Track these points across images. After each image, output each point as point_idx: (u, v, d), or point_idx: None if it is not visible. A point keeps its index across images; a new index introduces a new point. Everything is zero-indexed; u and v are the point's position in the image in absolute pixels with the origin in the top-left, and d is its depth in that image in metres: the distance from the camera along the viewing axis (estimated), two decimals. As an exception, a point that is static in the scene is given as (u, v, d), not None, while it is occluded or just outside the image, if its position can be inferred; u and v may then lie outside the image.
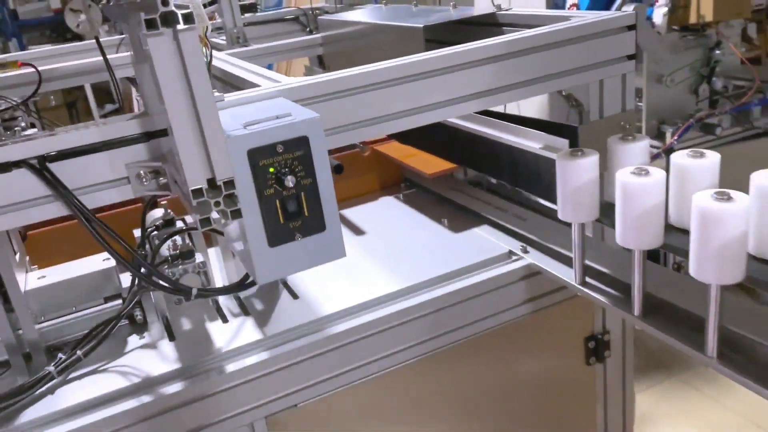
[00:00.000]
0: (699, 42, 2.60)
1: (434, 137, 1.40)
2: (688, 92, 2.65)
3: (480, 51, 1.01)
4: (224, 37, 1.95)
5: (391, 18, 1.56)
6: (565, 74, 1.08)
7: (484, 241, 1.25)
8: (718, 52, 2.60)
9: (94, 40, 1.16)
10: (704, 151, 0.88)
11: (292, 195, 0.75)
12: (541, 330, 1.22)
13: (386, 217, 1.45)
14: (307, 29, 2.15)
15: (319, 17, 1.90)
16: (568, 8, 2.58)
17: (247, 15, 2.13)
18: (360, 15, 1.75)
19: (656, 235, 0.87)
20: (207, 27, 0.84)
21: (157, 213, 1.11)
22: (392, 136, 1.56)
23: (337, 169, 1.31)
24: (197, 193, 0.69)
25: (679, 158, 0.85)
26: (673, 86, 2.58)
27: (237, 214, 0.72)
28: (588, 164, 0.95)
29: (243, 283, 0.93)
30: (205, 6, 2.01)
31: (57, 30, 6.38)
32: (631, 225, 0.87)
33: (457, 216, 1.37)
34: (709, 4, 2.43)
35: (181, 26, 0.62)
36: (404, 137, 1.52)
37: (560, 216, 1.00)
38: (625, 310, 0.95)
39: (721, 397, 2.41)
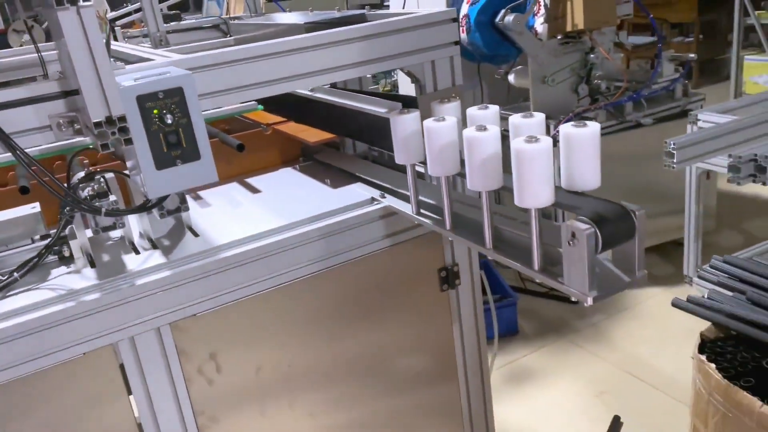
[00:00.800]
0: (576, 47, 3.01)
1: (317, 115, 1.71)
2: (570, 91, 3.04)
3: (331, 35, 1.32)
4: (149, 42, 2.22)
5: (288, 19, 1.87)
6: (403, 55, 1.40)
7: (355, 193, 1.56)
8: (592, 56, 3.00)
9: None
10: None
11: (173, 130, 1.04)
12: (401, 261, 1.52)
13: (281, 181, 1.74)
14: (227, 35, 2.44)
15: (232, 22, 2.20)
16: (462, 17, 2.94)
17: (171, 23, 2.41)
18: (264, 19, 2.06)
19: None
20: (105, 9, 1.12)
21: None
22: (288, 116, 1.86)
23: (239, 148, 1.60)
24: (98, 125, 0.98)
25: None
26: (554, 86, 2.97)
27: (129, 142, 1.00)
28: (411, 119, 1.26)
29: (144, 205, 1.21)
30: (131, 13, 2.29)
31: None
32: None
33: (339, 178, 1.67)
34: (581, 14, 2.82)
35: (81, 3, 0.91)
36: (297, 116, 1.82)
37: (396, 160, 1.31)
38: (440, 225, 1.26)
39: (601, 353, 2.76)
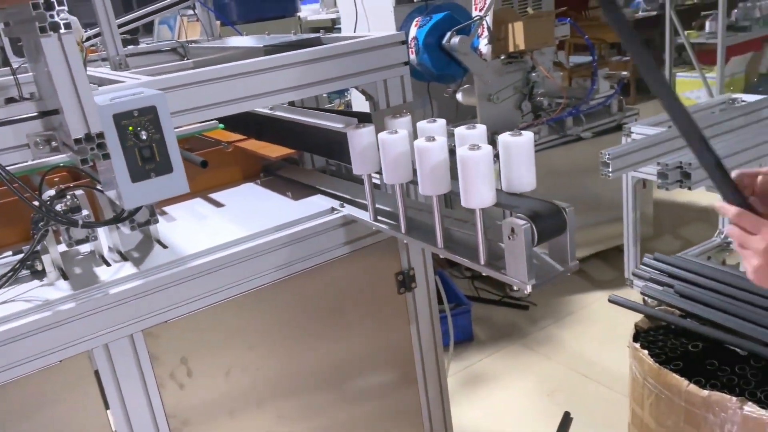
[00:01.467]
0: (519, 66, 3.19)
1: (278, 132, 1.81)
2: (514, 108, 3.22)
3: (290, 57, 1.43)
4: (108, 65, 2.28)
5: (245, 42, 1.97)
6: (358, 75, 1.52)
7: (316, 204, 1.66)
8: (534, 74, 3.19)
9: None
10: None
11: (147, 145, 1.12)
12: (360, 266, 1.63)
13: (244, 195, 1.83)
14: (185, 58, 2.52)
15: (190, 46, 2.29)
16: (411, 39, 3.10)
17: (129, 47, 2.47)
18: (221, 42, 2.15)
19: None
20: (82, 36, 1.20)
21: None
22: (249, 134, 1.95)
23: (202, 164, 1.69)
24: (78, 141, 1.05)
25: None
26: (499, 103, 3.14)
27: (107, 156, 1.08)
28: (366, 132, 1.38)
29: (119, 217, 1.29)
30: (89, 39, 2.35)
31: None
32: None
33: (300, 190, 1.77)
34: (521, 36, 3.01)
35: (63, 31, 0.99)
36: (258, 134, 1.92)
37: (354, 172, 1.42)
38: (395, 230, 1.37)
39: (552, 354, 2.91)
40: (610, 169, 2.37)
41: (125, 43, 2.44)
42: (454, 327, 3.06)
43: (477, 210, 1.13)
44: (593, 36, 7.13)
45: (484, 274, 1.18)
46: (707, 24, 5.40)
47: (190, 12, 2.99)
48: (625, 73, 3.39)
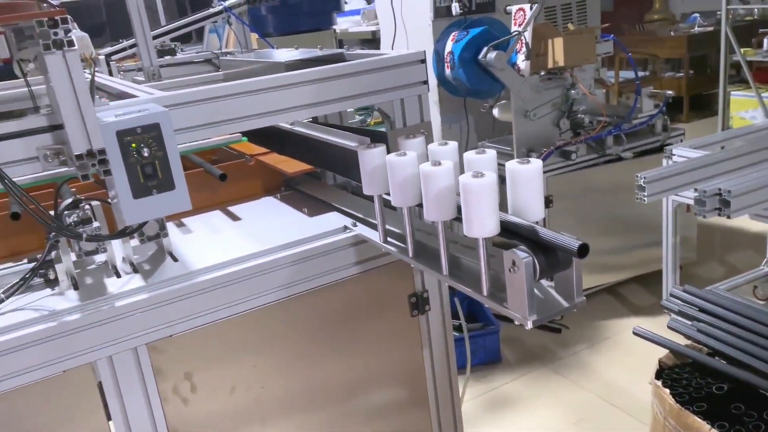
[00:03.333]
0: (558, 83, 3.12)
1: (297, 147, 1.80)
2: (552, 125, 3.15)
3: (306, 74, 1.42)
4: (143, 75, 2.33)
5: (271, 56, 1.97)
6: (374, 93, 1.50)
7: (330, 221, 1.64)
8: (573, 91, 3.11)
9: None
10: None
11: (149, 163, 1.12)
12: (372, 287, 1.60)
13: (262, 209, 1.83)
14: (218, 70, 2.55)
15: (222, 58, 2.31)
16: (447, 54, 3.06)
17: (166, 58, 2.52)
18: (252, 55, 2.17)
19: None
20: (92, 52, 1.22)
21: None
22: (271, 147, 1.95)
23: (221, 178, 1.70)
24: (79, 157, 1.06)
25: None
26: (536, 120, 3.07)
27: (108, 173, 1.09)
28: (377, 153, 1.35)
29: (124, 232, 1.29)
30: (126, 49, 2.41)
31: (3, 79, 6.64)
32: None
33: (317, 207, 1.76)
34: (561, 53, 2.94)
35: (67, 48, 1.00)
36: (279, 148, 1.92)
37: (364, 191, 1.39)
38: (403, 253, 1.34)
39: (582, 381, 2.81)
40: (646, 193, 2.27)
41: (162, 53, 2.49)
42: (482, 348, 3.00)
43: (480, 239, 1.08)
44: (647, 51, 6.97)
45: (486, 305, 1.13)
46: (765, 42, 5.17)
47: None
48: (670, 92, 3.26)
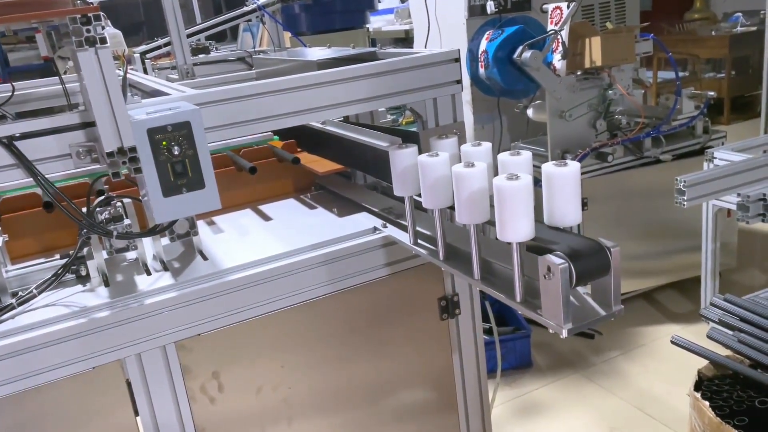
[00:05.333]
0: (595, 83, 3.04)
1: (328, 146, 1.78)
2: (588, 126, 3.08)
3: (337, 73, 1.40)
4: (177, 73, 2.34)
5: (304, 55, 1.96)
6: (406, 93, 1.47)
7: (359, 222, 1.62)
8: (611, 92, 3.04)
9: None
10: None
11: (179, 161, 1.12)
12: (401, 289, 1.57)
13: (292, 208, 1.82)
14: (251, 68, 2.55)
15: (255, 56, 2.31)
16: (481, 53, 3.02)
17: (200, 56, 2.53)
18: (285, 54, 2.16)
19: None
20: (123, 49, 1.22)
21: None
22: (302, 147, 1.94)
23: (251, 170, 1.69)
24: (110, 154, 1.06)
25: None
26: (572, 120, 3.01)
27: (139, 171, 1.09)
28: (408, 153, 1.32)
29: (154, 229, 1.29)
30: (161, 47, 2.42)
31: (45, 76, 6.80)
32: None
33: (346, 207, 1.74)
34: (599, 52, 2.87)
35: (99, 45, 1.00)
36: (311, 148, 1.90)
37: (395, 192, 1.37)
38: (434, 256, 1.31)
39: (615, 389, 2.74)
40: (686, 197, 2.20)
41: (196, 51, 2.51)
42: (512, 352, 2.95)
43: (513, 244, 1.05)
44: (687, 51, 6.79)
45: (518, 312, 1.10)
46: (812, 41, 4.97)
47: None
48: (711, 93, 3.16)
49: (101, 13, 1.00)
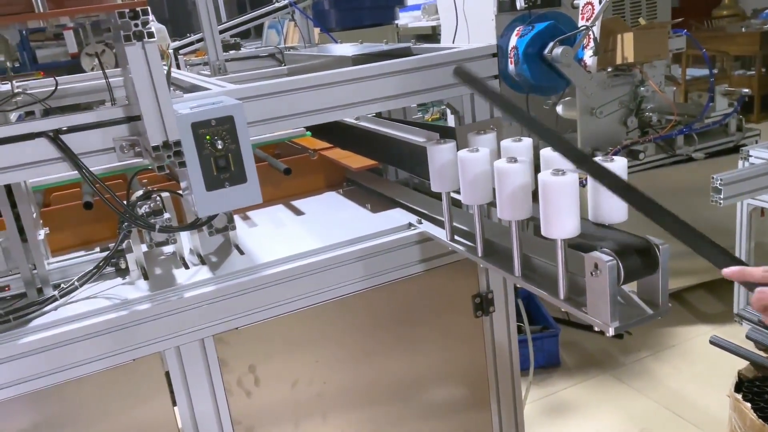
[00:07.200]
0: (626, 80, 3.01)
1: (361, 142, 1.78)
2: (619, 123, 3.04)
3: (375, 68, 1.39)
4: (209, 69, 2.35)
5: (338, 50, 1.96)
6: (443, 88, 1.47)
7: (394, 218, 1.61)
8: (643, 89, 3.00)
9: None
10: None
11: (222, 155, 1.12)
12: (436, 286, 1.57)
13: (324, 204, 1.82)
14: (282, 64, 2.56)
15: (286, 52, 2.32)
16: (511, 49, 2.99)
17: (231, 51, 2.55)
18: (316, 49, 2.16)
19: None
20: (168, 44, 1.22)
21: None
22: (334, 142, 1.94)
23: (286, 172, 1.70)
24: (155, 148, 1.07)
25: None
26: (602, 118, 2.97)
27: (183, 164, 1.09)
28: (446, 149, 1.32)
29: (195, 223, 1.30)
30: (193, 43, 2.44)
31: (73, 73, 6.88)
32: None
33: (380, 203, 1.74)
34: (631, 48, 2.83)
35: (146, 40, 1.01)
36: (343, 143, 1.90)
37: (432, 188, 1.36)
38: (472, 252, 1.30)
39: (646, 390, 2.71)
40: (722, 196, 2.17)
41: (227, 48, 2.52)
42: (540, 351, 2.93)
43: (558, 240, 1.04)
44: (715, 48, 6.68)
45: (563, 309, 1.09)
46: None
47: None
48: (746, 90, 3.10)
49: (148, 8, 1.01)
